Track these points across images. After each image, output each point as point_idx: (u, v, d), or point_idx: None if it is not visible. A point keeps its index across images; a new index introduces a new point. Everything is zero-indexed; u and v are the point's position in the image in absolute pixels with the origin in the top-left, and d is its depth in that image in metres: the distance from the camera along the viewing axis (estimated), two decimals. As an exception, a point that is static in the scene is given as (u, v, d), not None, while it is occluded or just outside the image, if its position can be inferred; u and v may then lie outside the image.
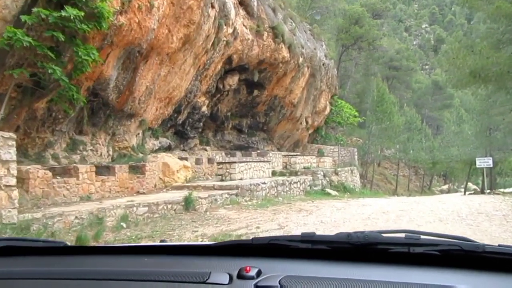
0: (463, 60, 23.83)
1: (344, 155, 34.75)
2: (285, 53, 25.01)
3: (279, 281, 1.24)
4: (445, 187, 62.28)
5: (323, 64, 31.63)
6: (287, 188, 20.56)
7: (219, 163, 20.42)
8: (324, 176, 24.69)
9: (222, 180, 19.20)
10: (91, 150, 16.39)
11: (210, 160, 22.67)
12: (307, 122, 32.55)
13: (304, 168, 25.19)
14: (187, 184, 18.10)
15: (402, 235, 1.45)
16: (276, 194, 19.40)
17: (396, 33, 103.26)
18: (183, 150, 24.41)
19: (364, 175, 43.18)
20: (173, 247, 1.73)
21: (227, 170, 19.46)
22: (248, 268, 1.30)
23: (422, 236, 1.42)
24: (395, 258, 1.38)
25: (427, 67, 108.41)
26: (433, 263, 1.35)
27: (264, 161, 23.05)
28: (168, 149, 22.01)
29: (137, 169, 16.65)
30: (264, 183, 18.80)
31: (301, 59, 27.21)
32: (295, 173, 23.97)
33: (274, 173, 23.29)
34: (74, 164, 13.70)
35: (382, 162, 55.58)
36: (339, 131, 43.92)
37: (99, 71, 14.52)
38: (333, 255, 1.42)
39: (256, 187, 18.05)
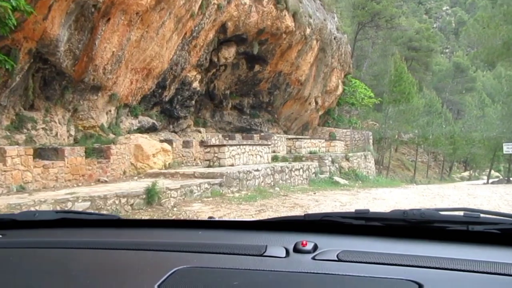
0: (495, 30, 20.19)
1: (357, 139, 31.17)
2: (289, 21, 21.42)
3: (337, 255, 1.22)
4: (466, 174, 58.94)
5: (334, 38, 27.94)
6: (287, 176, 17.17)
7: (206, 146, 17.07)
8: (333, 162, 21.22)
9: (209, 166, 15.92)
10: (43, 129, 13.22)
11: (203, 143, 19.35)
12: (316, 103, 28.98)
13: (311, 153, 21.73)
14: (164, 171, 14.87)
15: (461, 213, 1.39)
16: (272, 184, 16.04)
17: (416, 16, 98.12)
18: (173, 131, 21.17)
19: (380, 161, 39.63)
20: (225, 223, 1.72)
21: (215, 155, 16.13)
22: (304, 242, 1.28)
23: (481, 215, 1.36)
24: (453, 236, 1.35)
25: (447, 50, 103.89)
26: (493, 242, 1.29)
27: (263, 145, 19.63)
28: (152, 130, 18.78)
29: (100, 153, 13.45)
30: (257, 170, 15.45)
31: (308, 30, 23.57)
32: (300, 159, 20.55)
33: (275, 158, 19.89)
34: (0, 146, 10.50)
35: (400, 147, 51.88)
36: (354, 114, 40.27)
37: (41, 28, 11.28)
38: (387, 232, 1.39)
39: (246, 175, 14.72)
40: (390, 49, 52.59)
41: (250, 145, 18.45)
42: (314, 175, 19.06)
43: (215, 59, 21.04)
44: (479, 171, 59.20)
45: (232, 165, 16.18)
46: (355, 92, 32.92)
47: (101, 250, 1.30)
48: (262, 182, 15.47)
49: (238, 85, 24.61)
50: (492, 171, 49.97)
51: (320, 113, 30.44)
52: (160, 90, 18.42)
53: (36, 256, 1.24)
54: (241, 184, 14.31)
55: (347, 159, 23.29)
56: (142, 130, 17.75)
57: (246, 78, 24.20)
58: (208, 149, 16.51)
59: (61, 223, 1.59)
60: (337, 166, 21.90)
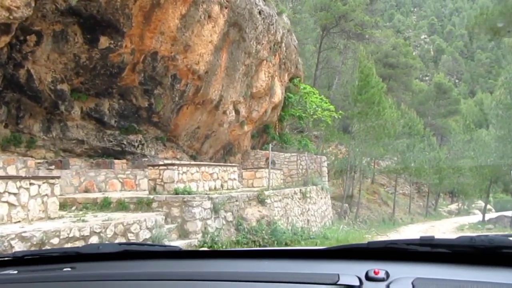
0: None
1: (307, 166, 19.78)
2: None
3: (412, 283, 1.13)
4: (453, 206, 48.59)
5: (259, 13, 16.89)
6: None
7: None
8: (223, 209, 9.88)
9: None
10: None
11: None
12: (237, 112, 17.69)
13: (184, 191, 10.27)
14: None
15: None
16: None
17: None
18: None
19: (349, 197, 28.20)
20: (287, 252, 1.54)
21: None
22: (376, 270, 1.20)
23: None
24: None
25: (427, 78, 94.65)
26: None
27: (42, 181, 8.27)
28: None
29: None
30: None
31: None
32: (124, 206, 9.31)
33: (64, 206, 8.59)
34: None
35: (378, 178, 40.64)
36: (311, 134, 29.00)
37: None
38: (454, 258, 1.30)
39: None
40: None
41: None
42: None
43: (-13, 11, 9.85)
44: (468, 203, 48.68)
45: None
46: (304, 101, 21.69)
47: (167, 282, 1.22)
48: None
49: (83, 76, 13.40)
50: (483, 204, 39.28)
51: (247, 129, 19.06)
52: None
53: None
54: None
55: (261, 202, 11.87)
56: None
57: (91, 62, 13.02)
58: None
59: (123, 255, 1.52)
60: (233, 218, 10.52)
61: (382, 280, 1.15)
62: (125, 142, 15.52)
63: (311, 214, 15.56)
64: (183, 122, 16.47)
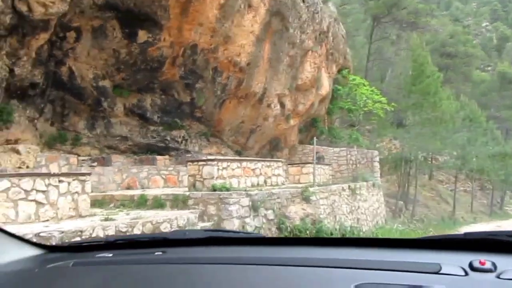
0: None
1: (358, 161, 18.81)
2: None
3: None
4: None
5: (303, 1, 16.11)
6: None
7: None
8: (254, 207, 9.31)
9: None
10: None
11: None
12: (282, 105, 17.02)
13: (223, 188, 9.75)
14: None
15: None
16: None
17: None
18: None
19: (404, 193, 26.77)
20: (380, 241, 1.53)
21: None
22: (483, 261, 1.14)
23: None
24: None
25: (489, 68, 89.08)
26: None
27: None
28: None
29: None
30: None
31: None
32: (160, 204, 8.95)
33: (100, 204, 8.34)
34: None
35: (436, 174, 38.57)
36: (365, 129, 27.84)
37: None
38: None
39: None
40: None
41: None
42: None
43: (24, 9, 9.81)
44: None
45: None
46: (354, 93, 20.64)
47: (251, 266, 1.21)
48: None
49: (124, 71, 13.25)
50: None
51: (293, 123, 18.35)
52: None
53: (192, 271, 1.18)
54: None
55: (306, 199, 11.17)
56: None
57: (130, 57, 12.84)
58: None
59: (208, 241, 1.53)
60: (275, 215, 9.91)
61: (489, 271, 1.10)
62: (168, 138, 15.29)
63: (361, 212, 14.63)
64: (226, 117, 16.01)
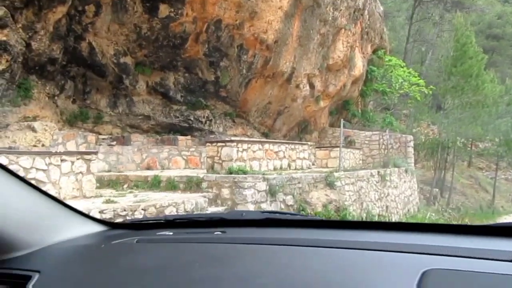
0: None
1: (390, 146, 17.87)
2: None
3: None
4: None
5: (336, -26, 15.13)
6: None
7: None
8: (271, 192, 8.69)
9: None
10: None
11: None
12: (312, 86, 16.21)
13: (238, 171, 9.18)
14: None
15: None
16: None
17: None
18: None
19: (440, 181, 25.54)
20: (427, 226, 1.40)
21: None
22: None
23: None
24: None
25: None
26: None
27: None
28: None
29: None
30: None
31: None
32: (173, 185, 8.50)
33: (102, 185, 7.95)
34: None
35: (475, 160, 36.76)
36: (402, 113, 26.60)
37: None
38: None
39: None
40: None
41: None
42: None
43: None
44: None
45: None
46: (390, 74, 19.50)
47: (310, 248, 1.15)
48: None
49: (146, 48, 12.80)
50: None
51: (323, 104, 17.51)
52: None
53: (251, 251, 1.15)
54: None
55: (330, 184, 10.49)
56: None
57: (152, 33, 12.34)
58: None
59: (265, 223, 1.51)
60: (295, 201, 9.30)
61: None
62: (192, 118, 14.82)
63: (391, 199, 13.79)
64: (252, 97, 15.36)
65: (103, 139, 12.62)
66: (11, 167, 6.19)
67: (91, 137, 11.57)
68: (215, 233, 1.37)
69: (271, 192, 8.68)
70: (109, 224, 1.49)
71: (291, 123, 17.57)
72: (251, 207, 8.17)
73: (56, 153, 6.93)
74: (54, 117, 12.21)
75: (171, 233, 1.39)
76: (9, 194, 1.07)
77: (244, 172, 9.04)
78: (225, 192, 8.36)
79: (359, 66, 18.23)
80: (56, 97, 12.28)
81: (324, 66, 16.29)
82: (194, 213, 7.05)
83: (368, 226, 1.46)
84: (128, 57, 12.88)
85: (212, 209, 7.64)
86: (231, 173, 9.05)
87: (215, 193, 8.42)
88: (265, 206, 8.49)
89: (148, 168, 12.40)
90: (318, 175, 10.47)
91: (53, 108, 12.24)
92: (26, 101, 10.95)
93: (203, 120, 14.98)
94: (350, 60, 17.18)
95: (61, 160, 6.93)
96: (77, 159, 7.17)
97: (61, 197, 6.82)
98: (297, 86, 15.83)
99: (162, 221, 1.57)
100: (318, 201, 9.96)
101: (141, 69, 13.36)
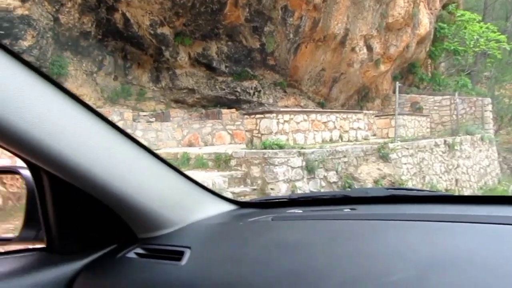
0: None
1: (457, 110, 15.81)
2: None
3: None
4: None
5: None
6: None
7: None
8: (309, 168, 7.58)
9: None
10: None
11: None
12: (369, 48, 14.61)
13: (266, 145, 8.13)
14: None
15: None
16: None
17: None
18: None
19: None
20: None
21: None
22: None
23: None
24: None
25: None
26: None
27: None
28: None
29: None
30: None
31: None
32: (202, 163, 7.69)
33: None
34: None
35: None
36: (483, 75, 23.87)
37: None
38: None
39: None
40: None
41: None
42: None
43: None
44: None
45: None
46: (463, 31, 17.16)
47: (440, 223, 1.03)
48: None
49: (184, 16, 11.98)
50: None
51: (384, 68, 15.78)
52: None
53: (381, 228, 1.06)
54: None
55: (383, 157, 9.19)
56: None
57: None
58: None
59: (390, 199, 1.44)
60: (339, 177, 8.15)
61: None
62: (239, 90, 13.91)
63: (461, 171, 12.04)
64: (303, 64, 14.08)
65: (143, 115, 12.10)
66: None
67: (128, 114, 11.05)
68: (344, 210, 1.31)
69: (309, 168, 7.57)
70: (238, 203, 1.49)
71: (349, 90, 16.07)
72: (283, 187, 7.14)
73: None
74: (94, 95, 11.83)
75: (300, 211, 1.35)
76: (151, 173, 1.09)
77: (280, 147, 7.98)
78: (255, 170, 7.38)
79: (425, 23, 16.11)
80: (94, 74, 11.87)
81: (382, 25, 14.51)
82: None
83: (500, 200, 1.27)
84: (166, 27, 12.12)
85: (233, 190, 6.70)
86: (264, 148, 8.03)
87: (244, 171, 7.48)
88: (301, 185, 7.41)
89: (190, 145, 11.71)
90: (369, 147, 9.15)
91: (92, 85, 11.86)
92: (61, 79, 10.58)
93: (251, 91, 14.00)
94: (413, 16, 15.17)
95: None
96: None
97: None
98: (353, 50, 14.28)
99: (286, 199, 1.55)
100: (369, 176, 8.69)
101: (180, 40, 12.58)
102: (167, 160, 1.13)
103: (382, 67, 15.55)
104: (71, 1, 9.95)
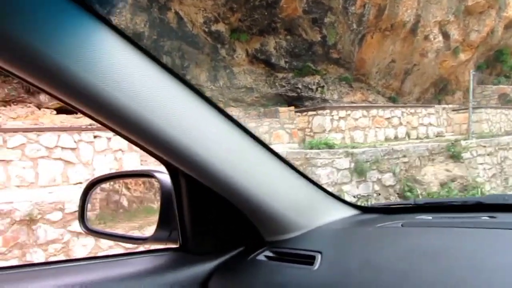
0: None
1: None
2: None
3: None
4: None
5: None
6: None
7: None
8: (358, 171, 6.73)
9: None
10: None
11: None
12: (446, 36, 13.17)
13: (313, 145, 7.38)
14: None
15: None
16: None
17: None
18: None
19: None
20: None
21: None
22: None
23: None
24: None
25: None
26: None
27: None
28: None
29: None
30: None
31: None
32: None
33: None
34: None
35: None
36: None
37: None
38: None
39: None
40: None
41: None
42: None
43: None
44: None
45: None
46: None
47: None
48: None
49: (239, 11, 11.57)
50: None
51: (465, 57, 14.16)
52: None
53: None
54: None
55: (454, 156, 8.05)
56: None
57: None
58: None
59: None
60: (398, 179, 7.21)
61: None
62: (300, 86, 13.19)
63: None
64: (370, 56, 13.00)
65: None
66: (29, 146, 5.50)
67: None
68: (482, 218, 1.17)
69: (358, 171, 6.69)
70: (360, 208, 1.40)
71: (424, 83, 14.64)
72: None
73: (86, 129, 6.08)
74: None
75: (430, 217, 1.24)
76: (281, 177, 1.10)
77: (330, 146, 7.17)
78: (296, 170, 6.66)
79: (514, 4, 14.21)
80: (151, 75, 11.83)
81: (461, 9, 12.96)
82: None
83: None
84: (221, 24, 11.76)
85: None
86: (311, 148, 7.27)
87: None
88: (349, 188, 6.58)
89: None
90: (436, 145, 8.02)
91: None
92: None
93: (314, 87, 13.22)
94: (498, -2, 13.43)
95: (94, 137, 6.08)
96: (114, 135, 6.22)
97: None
98: (426, 38, 12.92)
99: (411, 205, 1.43)
100: (434, 178, 7.58)
101: (236, 36, 12.15)
102: (291, 163, 1.11)
103: (462, 56, 13.95)
104: (122, 1, 9.90)
